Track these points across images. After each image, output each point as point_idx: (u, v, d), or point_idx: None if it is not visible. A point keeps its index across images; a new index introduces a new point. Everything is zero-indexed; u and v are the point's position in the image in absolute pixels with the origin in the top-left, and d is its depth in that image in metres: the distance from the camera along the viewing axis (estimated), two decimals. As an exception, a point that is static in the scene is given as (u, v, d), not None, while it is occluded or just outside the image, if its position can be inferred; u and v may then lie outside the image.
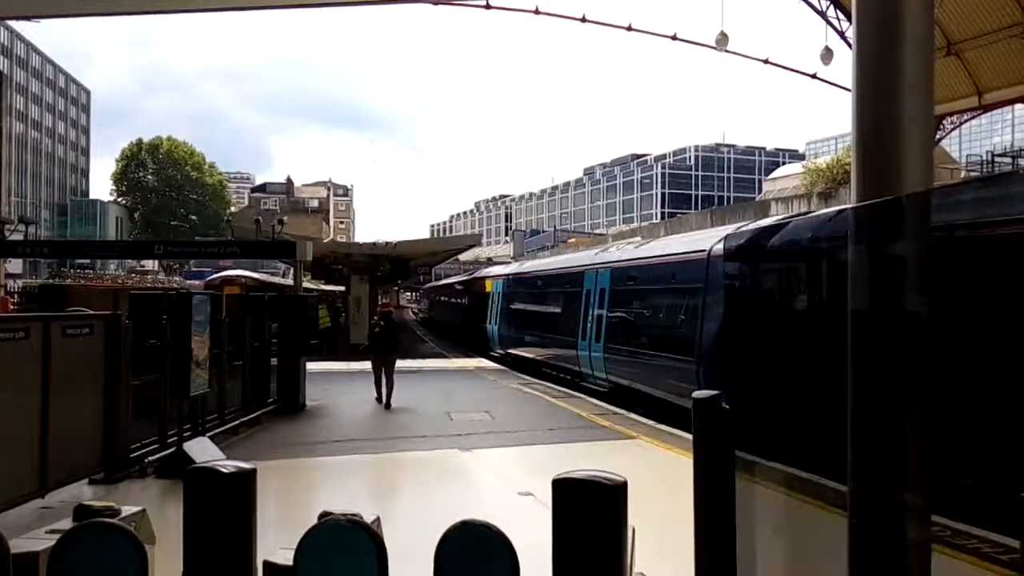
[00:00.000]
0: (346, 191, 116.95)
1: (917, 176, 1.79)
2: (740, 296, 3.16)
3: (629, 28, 23.06)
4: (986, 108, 23.06)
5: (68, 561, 2.76)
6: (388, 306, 17.38)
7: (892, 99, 1.77)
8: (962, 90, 21.80)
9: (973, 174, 35.22)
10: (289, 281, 22.80)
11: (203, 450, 8.18)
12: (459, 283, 38.61)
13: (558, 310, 18.58)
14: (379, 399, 13.34)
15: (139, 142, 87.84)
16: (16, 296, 28.47)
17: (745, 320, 3.12)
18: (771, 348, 2.90)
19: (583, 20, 22.74)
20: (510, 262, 41.55)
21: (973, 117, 24.25)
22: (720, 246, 10.45)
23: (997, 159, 36.89)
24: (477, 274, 36.07)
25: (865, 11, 1.85)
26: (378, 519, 3.72)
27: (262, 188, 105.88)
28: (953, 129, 24.07)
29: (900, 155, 1.78)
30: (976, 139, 62.55)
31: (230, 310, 11.25)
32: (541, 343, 20.05)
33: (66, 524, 3.81)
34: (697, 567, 2.45)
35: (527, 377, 18.21)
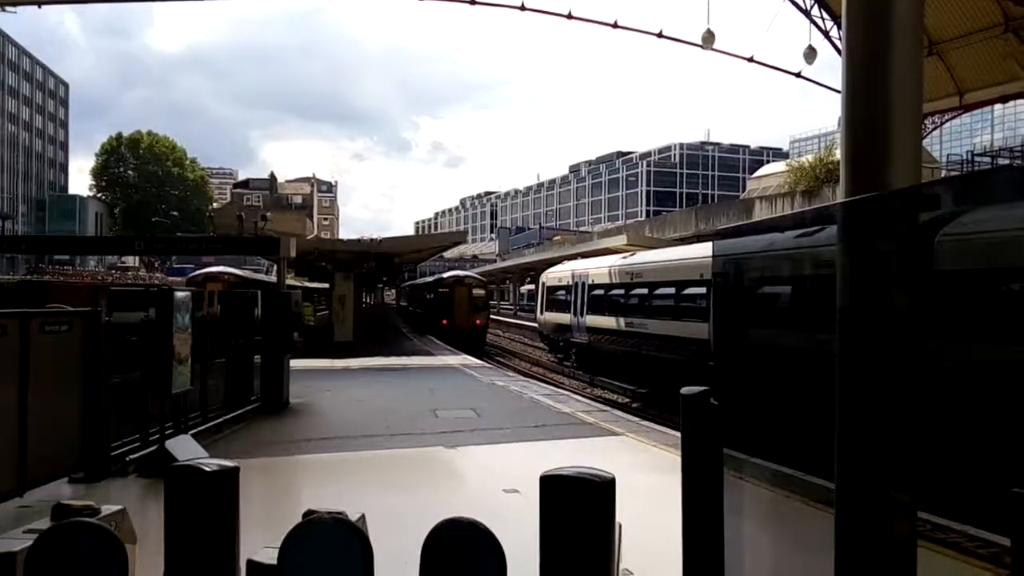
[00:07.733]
0: (330, 188, 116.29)
1: (905, 173, 1.79)
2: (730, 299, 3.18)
3: (615, 25, 23.10)
4: (967, 108, 23.34)
5: (46, 561, 2.71)
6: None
7: (881, 97, 1.77)
8: (944, 90, 22.05)
9: (953, 173, 35.61)
10: (273, 278, 22.65)
11: (185, 448, 8.09)
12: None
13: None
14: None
15: (119, 136, 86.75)
16: (-7, 292, 27.98)
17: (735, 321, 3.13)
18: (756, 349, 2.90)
19: (569, 16, 22.73)
20: (496, 260, 42.30)
21: (954, 117, 24.53)
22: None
23: (977, 159, 37.35)
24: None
25: (856, 11, 1.85)
26: (363, 517, 3.68)
27: (245, 184, 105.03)
28: (934, 129, 24.34)
29: (888, 152, 1.78)
30: (957, 139, 63.30)
31: (212, 307, 11.12)
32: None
33: (44, 524, 3.74)
34: (685, 564, 2.45)
35: (512, 374, 18.23)
